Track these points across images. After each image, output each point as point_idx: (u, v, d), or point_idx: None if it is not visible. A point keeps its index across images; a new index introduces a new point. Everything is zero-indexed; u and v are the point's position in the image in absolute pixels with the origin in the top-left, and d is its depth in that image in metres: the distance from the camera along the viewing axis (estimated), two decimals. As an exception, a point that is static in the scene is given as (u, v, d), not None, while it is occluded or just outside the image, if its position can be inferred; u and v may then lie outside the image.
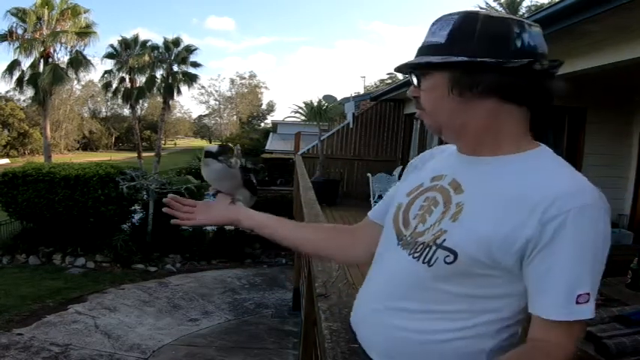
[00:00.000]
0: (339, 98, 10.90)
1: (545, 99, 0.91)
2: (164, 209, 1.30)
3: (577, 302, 0.80)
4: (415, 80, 0.96)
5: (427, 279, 0.91)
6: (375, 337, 1.00)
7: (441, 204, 0.94)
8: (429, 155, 1.11)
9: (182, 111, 60.74)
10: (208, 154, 1.30)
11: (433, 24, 0.93)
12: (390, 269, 0.99)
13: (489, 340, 0.89)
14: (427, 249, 0.91)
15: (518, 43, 0.87)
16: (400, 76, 16.29)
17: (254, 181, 1.39)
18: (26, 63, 23.09)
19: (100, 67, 72.94)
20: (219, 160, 1.28)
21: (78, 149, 47.52)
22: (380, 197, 7.88)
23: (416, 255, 0.93)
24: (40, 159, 25.01)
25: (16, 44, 22.64)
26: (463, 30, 0.88)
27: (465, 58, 0.86)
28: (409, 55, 0.98)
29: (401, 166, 9.80)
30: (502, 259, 0.84)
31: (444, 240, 0.89)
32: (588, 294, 0.80)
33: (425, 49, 0.92)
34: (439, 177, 0.99)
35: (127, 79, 26.89)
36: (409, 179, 1.09)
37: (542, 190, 0.82)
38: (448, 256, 0.87)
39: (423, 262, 0.91)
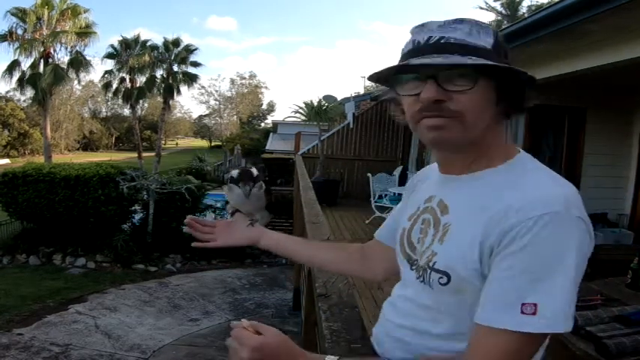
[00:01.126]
0: (339, 98, 10.91)
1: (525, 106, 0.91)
2: (185, 229, 1.33)
3: (522, 312, 0.73)
4: (443, 81, 0.82)
5: (431, 300, 0.92)
6: (394, 352, 1.01)
7: (432, 226, 0.94)
8: (426, 174, 1.10)
9: (182, 111, 60.76)
10: (231, 179, 1.34)
11: (458, 22, 0.84)
12: (406, 290, 1.01)
13: None
14: (425, 272, 0.91)
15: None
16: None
17: (272, 200, 1.46)
18: (26, 63, 23.09)
19: (100, 67, 73.28)
20: (239, 187, 1.31)
21: (78, 149, 47.43)
22: (380, 197, 7.89)
23: (420, 278, 0.93)
24: (40, 159, 24.98)
25: (16, 44, 22.61)
26: (500, 43, 0.87)
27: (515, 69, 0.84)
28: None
29: (401, 166, 9.79)
30: (488, 272, 0.81)
31: (435, 262, 0.89)
32: (535, 305, 0.73)
33: (465, 49, 0.82)
34: (430, 199, 0.99)
35: (127, 79, 26.88)
36: (411, 201, 1.09)
37: (509, 201, 0.80)
38: (441, 277, 0.87)
39: (427, 285, 0.91)
